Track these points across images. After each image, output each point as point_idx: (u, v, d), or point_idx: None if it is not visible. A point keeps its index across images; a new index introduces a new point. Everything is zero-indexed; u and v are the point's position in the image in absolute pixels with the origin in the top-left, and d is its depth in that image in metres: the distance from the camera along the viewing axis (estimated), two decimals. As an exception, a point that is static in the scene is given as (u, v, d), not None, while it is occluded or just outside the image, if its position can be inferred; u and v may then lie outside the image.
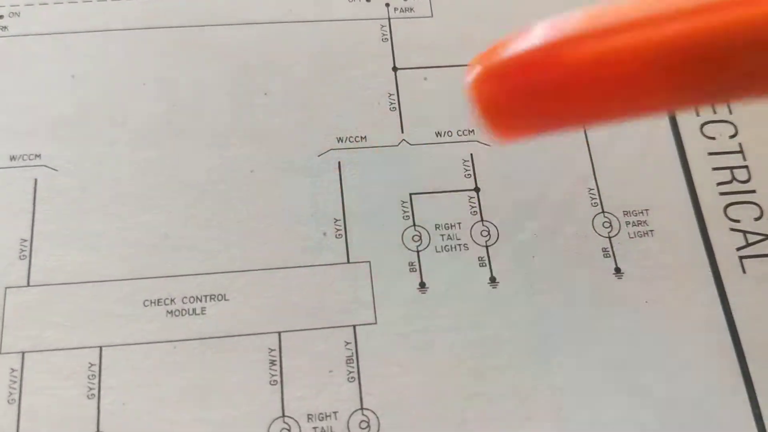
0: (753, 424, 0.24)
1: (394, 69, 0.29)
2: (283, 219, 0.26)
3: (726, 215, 0.27)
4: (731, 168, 0.28)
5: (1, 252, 0.25)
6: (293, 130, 0.28)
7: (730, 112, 0.29)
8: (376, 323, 0.25)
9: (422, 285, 0.26)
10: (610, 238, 0.27)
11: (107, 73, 0.28)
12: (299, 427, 0.24)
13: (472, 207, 0.27)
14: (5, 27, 0.29)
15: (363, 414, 0.24)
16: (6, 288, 0.25)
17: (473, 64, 0.17)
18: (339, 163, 0.27)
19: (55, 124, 0.27)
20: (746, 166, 0.28)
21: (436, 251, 0.26)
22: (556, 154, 0.28)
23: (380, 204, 0.27)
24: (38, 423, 0.23)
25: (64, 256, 0.25)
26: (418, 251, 0.26)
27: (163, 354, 0.24)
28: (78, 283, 0.25)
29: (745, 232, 0.27)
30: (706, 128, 0.29)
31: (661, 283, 0.26)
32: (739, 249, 0.27)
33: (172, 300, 0.25)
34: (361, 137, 0.28)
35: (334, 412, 0.24)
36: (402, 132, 0.28)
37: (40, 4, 0.29)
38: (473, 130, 0.28)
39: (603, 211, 0.27)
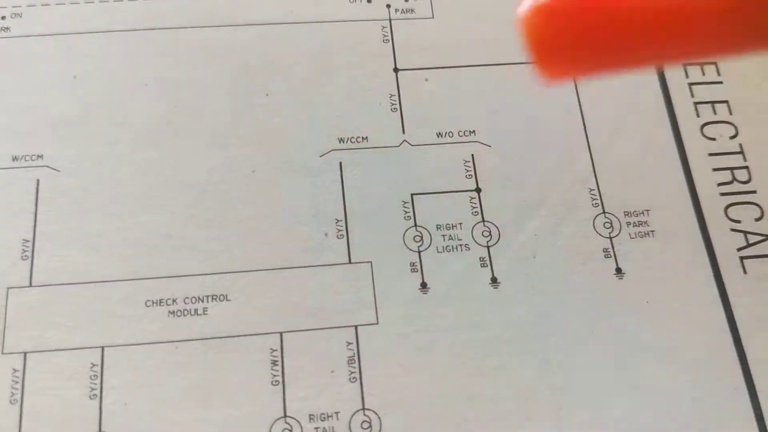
0: (754, 424, 0.24)
1: (395, 70, 0.29)
2: (285, 219, 0.26)
3: (727, 216, 0.27)
4: (732, 168, 0.28)
5: (3, 252, 0.25)
6: (294, 131, 0.28)
7: (731, 113, 0.29)
8: (377, 323, 0.25)
9: (423, 285, 0.26)
10: (610, 238, 0.27)
11: (109, 74, 0.28)
12: (301, 427, 0.24)
13: (473, 207, 0.27)
14: (7, 28, 0.29)
15: (364, 414, 0.24)
16: (8, 288, 0.25)
17: None
18: (340, 163, 0.27)
19: (56, 124, 0.27)
20: (747, 167, 0.28)
21: (438, 251, 0.26)
22: (556, 155, 0.28)
23: (381, 204, 0.27)
24: (40, 423, 0.23)
25: (66, 256, 0.25)
26: (419, 251, 0.26)
27: (164, 354, 0.24)
28: (80, 284, 0.25)
29: (745, 233, 0.27)
30: (706, 129, 0.29)
31: (662, 284, 0.26)
32: (739, 249, 0.27)
33: (173, 300, 0.25)
34: (363, 138, 0.28)
35: (336, 413, 0.24)
36: (403, 132, 0.28)
37: (42, 5, 0.29)
38: (474, 131, 0.28)
39: (604, 212, 0.27)
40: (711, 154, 0.28)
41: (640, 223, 0.27)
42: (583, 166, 0.28)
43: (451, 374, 0.25)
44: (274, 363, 0.24)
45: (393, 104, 0.29)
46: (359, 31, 0.30)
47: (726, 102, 0.29)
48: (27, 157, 0.27)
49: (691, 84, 0.29)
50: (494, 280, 0.26)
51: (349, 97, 0.29)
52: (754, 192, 0.28)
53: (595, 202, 0.27)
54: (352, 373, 0.24)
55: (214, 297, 0.25)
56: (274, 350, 0.25)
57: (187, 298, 0.25)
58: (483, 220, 0.27)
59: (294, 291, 0.25)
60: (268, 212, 0.26)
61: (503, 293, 0.26)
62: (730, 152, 0.28)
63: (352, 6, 0.30)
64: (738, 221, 0.27)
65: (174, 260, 0.26)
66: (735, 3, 0.15)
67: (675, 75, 0.30)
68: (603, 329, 0.25)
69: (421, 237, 0.26)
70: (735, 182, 0.28)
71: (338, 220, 0.26)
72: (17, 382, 0.24)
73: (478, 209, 0.27)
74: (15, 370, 0.24)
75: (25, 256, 0.25)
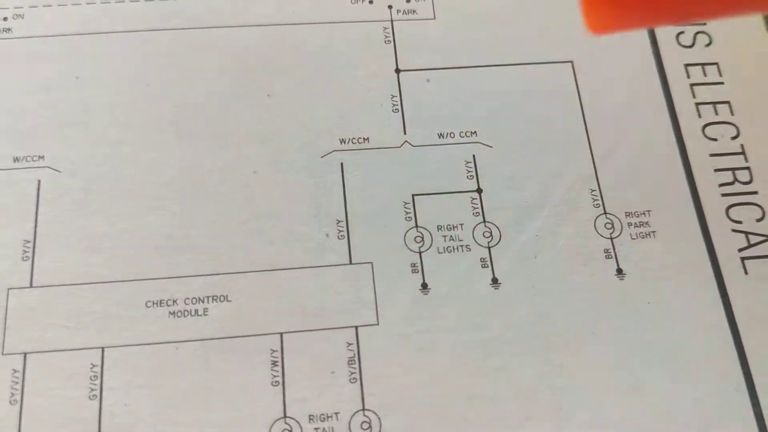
0: (754, 424, 0.24)
1: (397, 71, 0.29)
2: (286, 220, 0.26)
3: (728, 216, 0.27)
4: (733, 169, 0.28)
5: (4, 253, 0.25)
6: (296, 132, 0.28)
7: (732, 114, 0.29)
8: (378, 324, 0.25)
9: (424, 286, 0.26)
10: (611, 239, 0.27)
11: (111, 75, 0.28)
12: (301, 427, 0.24)
13: (474, 208, 0.27)
14: (9, 29, 0.29)
15: (365, 415, 0.24)
16: (9, 289, 0.25)
17: None
18: (342, 164, 0.27)
19: (58, 125, 0.27)
20: (748, 168, 0.28)
21: (439, 252, 0.26)
22: (558, 156, 0.28)
23: (383, 205, 0.27)
24: (40, 424, 0.23)
25: (67, 257, 0.25)
26: (420, 252, 0.26)
27: (165, 355, 0.24)
28: (80, 285, 0.25)
29: (746, 233, 0.27)
30: (708, 130, 0.29)
31: (663, 284, 0.26)
32: (740, 250, 0.27)
33: (174, 301, 0.25)
34: (364, 138, 0.28)
35: (336, 413, 0.24)
36: (404, 133, 0.28)
37: (44, 6, 0.29)
38: (475, 132, 0.28)
39: (605, 212, 0.27)
40: (712, 155, 0.28)
41: (641, 224, 0.27)
42: (584, 167, 0.28)
43: (451, 375, 0.25)
44: (275, 363, 0.24)
45: (394, 105, 0.29)
46: (361, 32, 0.30)
47: (727, 103, 0.29)
48: (28, 158, 0.27)
49: (692, 85, 0.29)
50: (495, 280, 0.26)
51: (350, 98, 0.29)
52: (755, 193, 0.28)
53: (596, 202, 0.27)
54: (352, 373, 0.24)
55: (215, 298, 0.25)
56: (274, 351, 0.25)
57: (188, 298, 0.25)
58: (484, 221, 0.27)
59: (294, 292, 0.25)
60: (269, 213, 0.27)
61: (504, 294, 0.26)
62: (731, 153, 0.28)
63: (354, 7, 0.30)
64: (739, 222, 0.27)
65: (174, 261, 0.26)
66: None
67: (677, 76, 0.30)
68: (604, 330, 0.25)
69: (422, 237, 0.26)
70: (736, 183, 0.28)
71: (339, 221, 0.26)
72: (17, 383, 0.24)
73: (479, 210, 0.27)
74: (15, 371, 0.24)
75: (26, 256, 0.25)
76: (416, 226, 0.27)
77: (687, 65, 0.30)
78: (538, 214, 0.27)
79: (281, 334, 0.25)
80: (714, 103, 0.29)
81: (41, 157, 0.27)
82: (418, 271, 0.26)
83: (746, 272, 0.26)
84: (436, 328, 0.25)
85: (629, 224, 0.27)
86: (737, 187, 0.28)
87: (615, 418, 0.24)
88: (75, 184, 0.26)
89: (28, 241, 0.25)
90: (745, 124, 0.29)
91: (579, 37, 0.18)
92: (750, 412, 0.24)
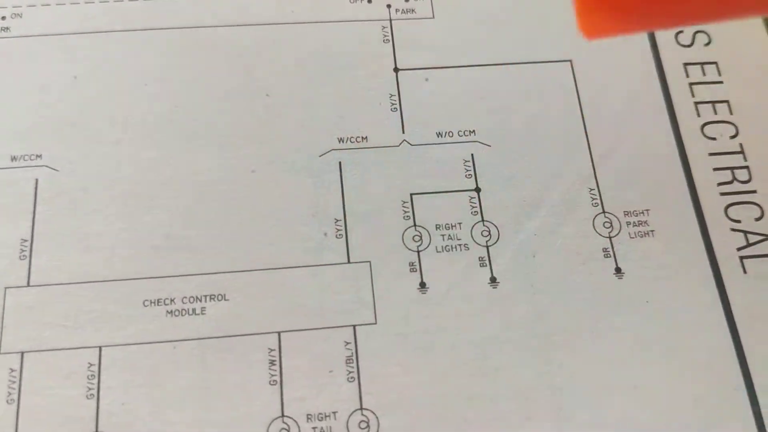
0: (753, 423, 0.24)
1: (396, 70, 0.29)
2: (284, 219, 0.26)
3: (727, 215, 0.27)
4: (732, 168, 0.28)
5: (1, 252, 0.25)
6: (294, 131, 0.28)
7: (731, 113, 0.29)
8: (376, 323, 0.25)
9: (422, 285, 0.26)
10: (610, 238, 0.27)
11: (109, 74, 0.28)
12: (298, 427, 0.24)
13: (473, 207, 0.27)
14: (7, 28, 0.29)
15: (362, 414, 0.24)
16: (6, 288, 0.25)
17: None
18: (340, 163, 0.27)
19: (56, 124, 0.27)
20: (747, 167, 0.28)
21: (437, 251, 0.26)
22: (556, 155, 0.28)
23: (381, 204, 0.27)
24: (37, 423, 0.23)
25: (65, 256, 0.25)
26: (418, 251, 0.26)
27: (162, 354, 0.24)
28: (78, 284, 0.25)
29: (745, 232, 0.27)
30: (706, 129, 0.29)
31: (662, 284, 0.26)
32: (739, 249, 0.27)
33: (172, 300, 0.25)
34: (362, 137, 0.28)
35: (334, 412, 0.24)
36: (403, 132, 0.28)
37: (42, 5, 0.29)
38: (474, 131, 0.28)
39: (603, 211, 0.27)
40: (711, 154, 0.28)
41: (640, 223, 0.27)
42: (583, 166, 0.28)
43: (450, 374, 0.25)
44: (272, 363, 0.24)
45: (393, 104, 0.28)
46: (360, 31, 0.30)
47: (726, 102, 0.29)
48: (26, 157, 0.27)
49: (691, 84, 0.29)
50: (493, 279, 0.26)
51: (349, 97, 0.29)
52: (754, 192, 0.28)
53: (594, 201, 0.27)
54: (350, 372, 0.24)
55: (212, 297, 0.25)
56: (272, 350, 0.24)
57: (185, 297, 0.25)
58: (482, 220, 0.27)
59: (293, 291, 0.25)
60: (267, 212, 0.26)
61: (502, 293, 0.26)
62: (730, 152, 0.28)
63: (353, 6, 0.30)
64: (738, 221, 0.27)
65: (172, 260, 0.26)
66: None
67: (676, 75, 0.30)
68: (603, 329, 0.25)
69: (421, 237, 0.26)
70: (735, 182, 0.28)
71: (337, 220, 0.26)
72: (14, 382, 0.24)
73: (478, 209, 0.27)
74: (12, 370, 0.24)
75: (23, 255, 0.25)
76: (414, 225, 0.27)
77: (686, 64, 0.30)
78: (537, 213, 0.27)
79: (279, 333, 0.25)
80: (713, 103, 0.29)
81: (39, 156, 0.27)
82: (416, 270, 0.26)
83: (745, 271, 0.26)
84: (434, 328, 0.25)
85: (628, 223, 0.27)
86: (736, 186, 0.28)
87: (615, 417, 0.24)
88: (73, 183, 0.26)
89: (26, 240, 0.25)
90: (744, 124, 0.29)
91: (578, 36, 0.18)
92: (749, 411, 0.24)
